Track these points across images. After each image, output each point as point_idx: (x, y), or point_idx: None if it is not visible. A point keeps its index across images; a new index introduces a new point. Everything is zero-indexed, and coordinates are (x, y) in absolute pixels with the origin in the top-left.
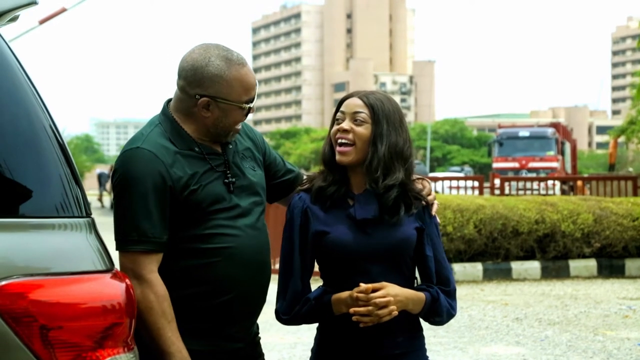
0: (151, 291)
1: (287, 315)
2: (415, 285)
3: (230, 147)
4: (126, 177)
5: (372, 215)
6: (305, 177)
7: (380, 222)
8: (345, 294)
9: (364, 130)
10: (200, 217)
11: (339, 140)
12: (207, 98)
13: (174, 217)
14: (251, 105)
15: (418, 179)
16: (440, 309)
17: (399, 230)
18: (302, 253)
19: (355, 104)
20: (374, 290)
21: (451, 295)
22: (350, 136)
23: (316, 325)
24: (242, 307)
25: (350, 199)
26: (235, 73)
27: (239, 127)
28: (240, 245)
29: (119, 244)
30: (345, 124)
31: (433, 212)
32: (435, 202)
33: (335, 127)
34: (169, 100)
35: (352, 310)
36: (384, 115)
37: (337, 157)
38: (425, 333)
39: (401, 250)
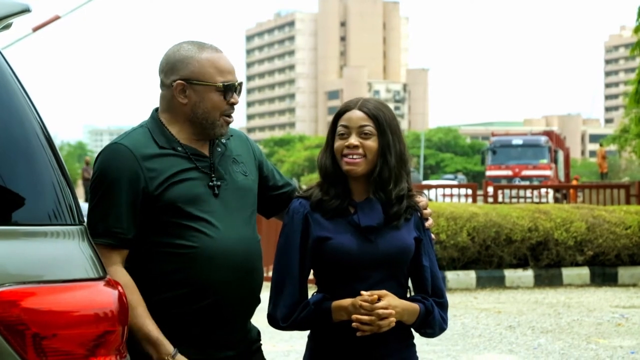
0: None
1: (287, 322)
2: (409, 295)
3: (219, 149)
4: (100, 171)
5: (377, 223)
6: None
7: (382, 230)
8: (347, 302)
9: (372, 143)
10: (177, 217)
11: (349, 156)
12: (181, 81)
13: (149, 217)
14: (227, 84)
15: (417, 191)
16: (433, 322)
17: (400, 238)
18: (302, 258)
19: (358, 117)
20: (379, 300)
21: (444, 307)
22: (360, 151)
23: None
24: (227, 312)
25: (351, 206)
26: (206, 55)
27: (229, 118)
28: (220, 249)
29: None
30: (354, 140)
31: (427, 225)
32: (430, 218)
33: (341, 143)
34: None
35: (354, 317)
36: (387, 125)
37: (347, 167)
38: (418, 341)
39: (401, 257)
